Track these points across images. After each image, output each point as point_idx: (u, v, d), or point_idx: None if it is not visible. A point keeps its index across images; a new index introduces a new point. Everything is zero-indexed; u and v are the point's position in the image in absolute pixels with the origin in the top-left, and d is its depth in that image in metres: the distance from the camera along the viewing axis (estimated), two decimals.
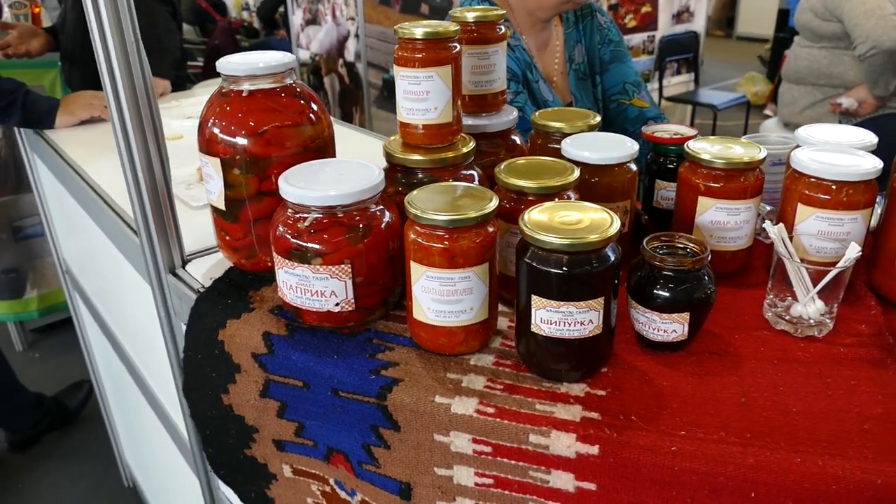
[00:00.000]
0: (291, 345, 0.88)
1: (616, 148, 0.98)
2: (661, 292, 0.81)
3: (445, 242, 0.79)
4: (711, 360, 0.84)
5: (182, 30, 2.95)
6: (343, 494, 0.92)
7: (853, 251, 0.84)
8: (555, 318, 0.76)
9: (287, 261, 0.86)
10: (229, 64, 0.94)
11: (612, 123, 1.70)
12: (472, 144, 0.98)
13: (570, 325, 0.76)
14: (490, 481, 0.78)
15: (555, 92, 1.62)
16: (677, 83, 4.57)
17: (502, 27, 1.07)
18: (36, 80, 2.74)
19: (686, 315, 0.81)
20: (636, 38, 4.36)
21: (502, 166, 0.92)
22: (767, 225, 0.89)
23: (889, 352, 0.84)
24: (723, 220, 0.96)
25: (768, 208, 1.10)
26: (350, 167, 0.91)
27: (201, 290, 1.02)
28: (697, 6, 4.58)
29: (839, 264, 0.84)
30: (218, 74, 0.95)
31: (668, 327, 0.82)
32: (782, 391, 0.78)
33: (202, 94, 2.41)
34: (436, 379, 0.81)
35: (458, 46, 0.94)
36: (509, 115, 1.10)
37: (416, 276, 0.82)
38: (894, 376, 0.80)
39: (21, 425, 2.41)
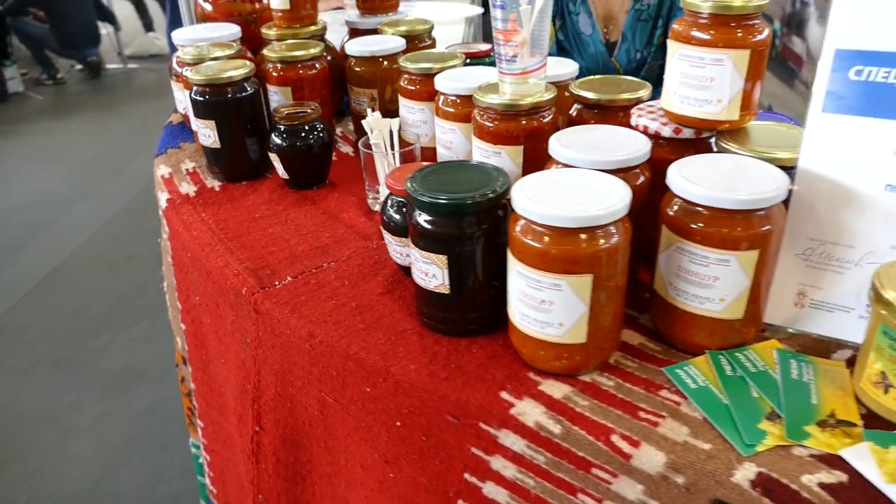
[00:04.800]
0: None
1: (371, 46, 1.22)
2: (272, 138, 1.12)
3: None
4: (292, 197, 1.11)
5: None
6: None
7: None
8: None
9: None
10: None
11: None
12: (314, 28, 1.35)
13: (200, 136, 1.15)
14: None
15: (601, 27, 1.68)
16: None
17: None
18: None
19: (276, 157, 1.11)
20: None
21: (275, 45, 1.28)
22: (370, 115, 1.06)
23: None
24: (408, 118, 1.14)
25: None
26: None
27: None
28: None
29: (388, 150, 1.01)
30: None
31: (278, 167, 1.13)
32: (285, 225, 1.04)
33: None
34: None
35: None
36: (385, 18, 1.39)
37: None
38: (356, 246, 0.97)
39: None
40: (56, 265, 3.36)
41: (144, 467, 2.12)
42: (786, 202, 0.70)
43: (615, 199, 0.64)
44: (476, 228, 0.71)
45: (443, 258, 0.72)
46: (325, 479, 0.92)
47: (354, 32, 1.42)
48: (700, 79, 0.74)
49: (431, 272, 0.73)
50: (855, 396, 0.65)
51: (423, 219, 0.72)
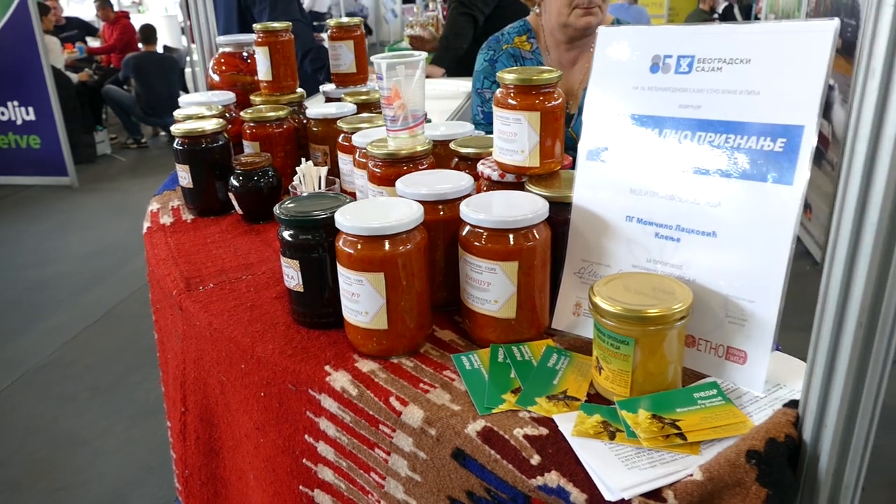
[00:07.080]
0: None
1: (324, 110, 1.49)
2: (231, 180, 1.38)
3: None
4: (243, 228, 1.36)
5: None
6: None
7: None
8: None
9: None
10: None
11: None
12: (292, 94, 1.63)
13: None
14: None
15: None
16: None
17: (358, 31, 1.64)
18: None
19: (233, 196, 1.36)
20: None
21: (252, 108, 1.56)
22: (303, 163, 1.30)
23: None
24: (343, 168, 1.38)
25: None
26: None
27: None
28: None
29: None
30: None
31: (235, 204, 1.39)
32: (227, 248, 1.28)
33: None
34: None
35: (287, 35, 1.60)
36: (352, 89, 1.67)
37: None
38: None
39: None
40: (112, 307, 3.73)
41: (156, 490, 2.35)
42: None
43: (403, 217, 0.85)
44: (320, 240, 0.92)
45: (296, 263, 0.94)
46: (230, 453, 1.12)
47: (328, 100, 1.70)
48: (508, 134, 0.95)
49: (291, 274, 0.95)
50: (591, 381, 0.82)
51: (284, 232, 0.94)
